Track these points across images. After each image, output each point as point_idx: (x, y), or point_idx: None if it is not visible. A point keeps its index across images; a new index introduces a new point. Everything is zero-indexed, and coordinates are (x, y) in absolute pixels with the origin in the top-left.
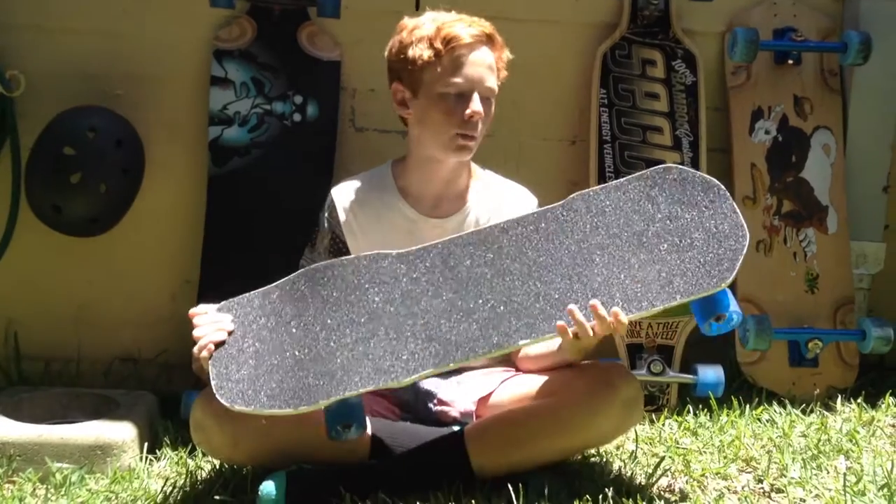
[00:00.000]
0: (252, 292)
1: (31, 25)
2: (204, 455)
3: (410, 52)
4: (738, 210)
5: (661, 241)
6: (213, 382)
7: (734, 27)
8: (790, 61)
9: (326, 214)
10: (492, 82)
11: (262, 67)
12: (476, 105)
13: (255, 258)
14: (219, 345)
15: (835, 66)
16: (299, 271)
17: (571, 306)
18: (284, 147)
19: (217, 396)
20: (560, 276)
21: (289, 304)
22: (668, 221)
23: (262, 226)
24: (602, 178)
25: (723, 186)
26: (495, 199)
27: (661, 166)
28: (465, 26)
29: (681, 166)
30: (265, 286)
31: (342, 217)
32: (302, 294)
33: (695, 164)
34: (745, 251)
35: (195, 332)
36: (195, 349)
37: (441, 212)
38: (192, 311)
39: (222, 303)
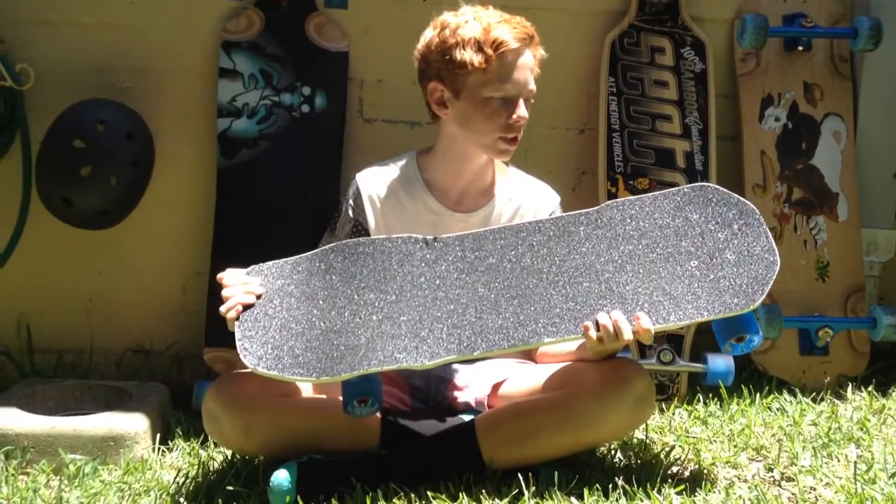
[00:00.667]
0: (283, 259)
1: (40, 19)
2: (216, 446)
3: (458, 55)
4: (770, 236)
5: (692, 257)
6: (237, 343)
7: (743, 13)
8: (800, 47)
9: (351, 201)
10: (533, 84)
11: (270, 59)
12: (522, 110)
13: (266, 249)
14: (246, 307)
15: (845, 52)
16: (331, 244)
17: (600, 315)
18: (293, 138)
19: (241, 356)
20: (590, 279)
21: (318, 276)
22: (700, 238)
23: (272, 217)
24: (611, 167)
25: (758, 211)
26: (520, 196)
27: (697, 184)
28: (510, 29)
29: (717, 186)
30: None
31: (367, 205)
32: (332, 267)
33: (704, 152)
34: (774, 277)
35: (224, 293)
36: (222, 308)
37: (466, 206)
38: (221, 274)
39: (252, 267)
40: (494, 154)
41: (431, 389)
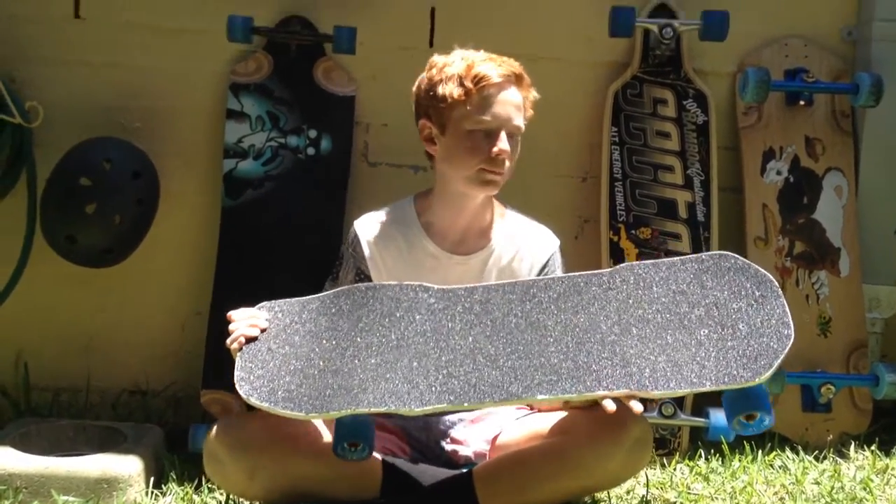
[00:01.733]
0: (293, 299)
1: (52, 58)
2: (210, 491)
3: (440, 90)
4: (787, 309)
5: (703, 325)
6: (236, 374)
7: (745, 67)
8: (802, 102)
9: (350, 249)
10: (519, 121)
11: (278, 101)
12: (503, 143)
13: (267, 290)
14: (250, 340)
15: (847, 107)
16: (342, 288)
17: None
18: (298, 180)
19: (237, 387)
20: (594, 340)
21: (325, 317)
22: (713, 308)
23: (274, 258)
24: (613, 216)
25: (776, 283)
26: (519, 238)
27: (718, 252)
28: (494, 66)
29: (738, 256)
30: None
31: (366, 252)
32: (340, 309)
33: (706, 204)
34: (786, 351)
35: (230, 326)
36: (227, 341)
37: (465, 249)
38: (232, 312)
39: (263, 303)
40: (478, 186)
41: (431, 442)
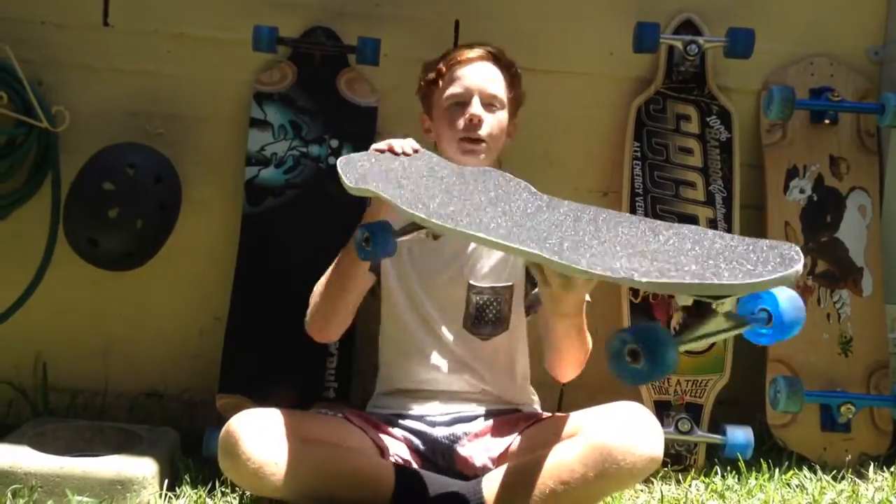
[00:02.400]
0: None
1: (80, 64)
2: (224, 495)
3: (421, 80)
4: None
5: (719, 256)
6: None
7: (770, 85)
8: (826, 121)
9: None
10: (495, 89)
11: (301, 111)
12: (475, 108)
13: (285, 297)
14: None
15: (872, 126)
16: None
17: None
18: (318, 189)
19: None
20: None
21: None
22: (733, 250)
23: (293, 265)
24: None
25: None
26: None
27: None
28: (468, 49)
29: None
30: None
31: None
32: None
33: (728, 220)
34: (794, 271)
35: (391, 142)
36: (396, 145)
37: None
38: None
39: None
40: (462, 156)
41: (438, 458)
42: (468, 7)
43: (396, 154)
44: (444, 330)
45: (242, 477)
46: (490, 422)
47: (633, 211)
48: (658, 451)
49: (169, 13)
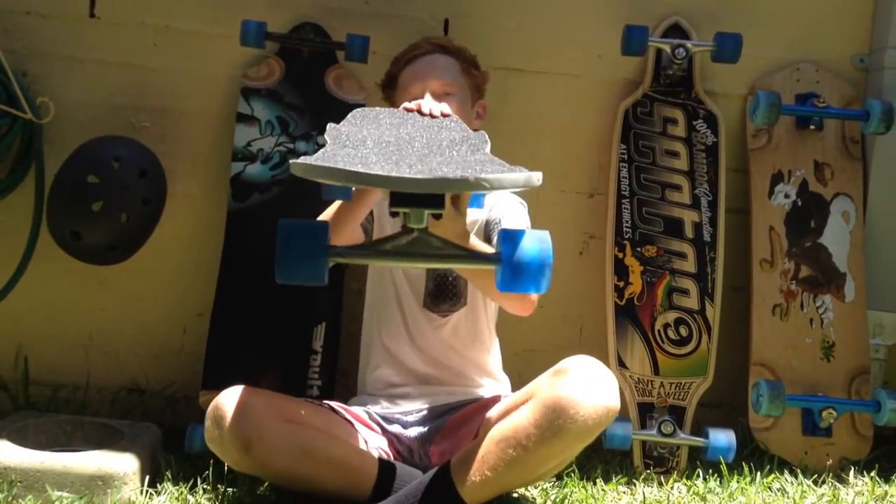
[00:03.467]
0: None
1: (65, 55)
2: (205, 492)
3: (381, 92)
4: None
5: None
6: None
7: (757, 90)
8: (812, 126)
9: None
10: (445, 76)
11: (288, 107)
12: (426, 101)
13: (269, 294)
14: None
15: (856, 133)
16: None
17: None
18: (305, 186)
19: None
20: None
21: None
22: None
23: None
24: (619, 233)
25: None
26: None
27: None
28: (414, 47)
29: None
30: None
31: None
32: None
33: (713, 224)
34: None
35: (425, 104)
36: (436, 108)
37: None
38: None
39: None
40: None
41: (415, 458)
42: (457, 6)
43: (423, 115)
44: (409, 310)
45: (227, 450)
46: (458, 412)
47: (619, 214)
48: (611, 400)
49: (156, 6)
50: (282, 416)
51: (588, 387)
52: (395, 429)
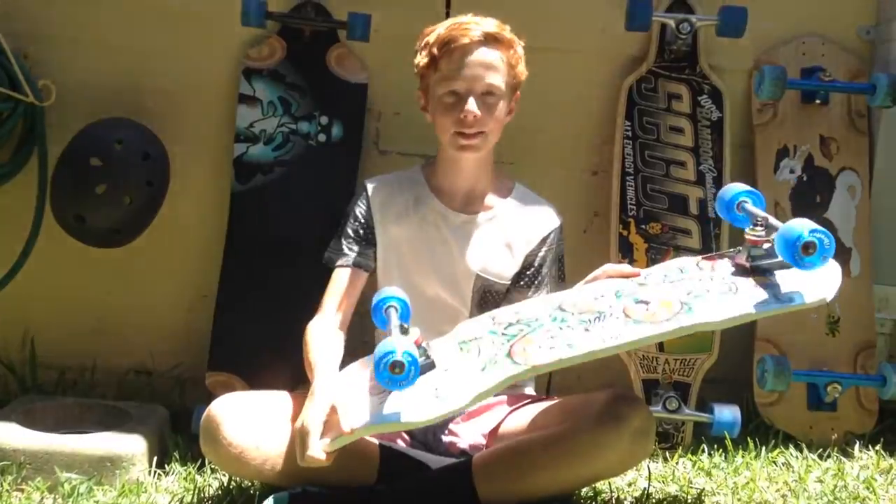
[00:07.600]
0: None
1: (67, 37)
2: (213, 472)
3: (416, 59)
4: None
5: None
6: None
7: (762, 65)
8: (817, 101)
9: (359, 202)
10: (493, 79)
11: (290, 87)
12: (470, 106)
13: (274, 275)
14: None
15: (863, 107)
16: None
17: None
18: (308, 166)
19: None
20: None
21: None
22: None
23: (282, 242)
24: (624, 210)
25: None
26: (524, 210)
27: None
28: (464, 28)
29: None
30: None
31: (375, 205)
32: None
33: None
34: None
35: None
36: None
37: (471, 209)
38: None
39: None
40: (454, 150)
41: (429, 433)
42: None
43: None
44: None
45: (223, 461)
46: (479, 405)
47: (623, 191)
48: (641, 430)
49: None
50: (277, 419)
51: (638, 446)
52: None
